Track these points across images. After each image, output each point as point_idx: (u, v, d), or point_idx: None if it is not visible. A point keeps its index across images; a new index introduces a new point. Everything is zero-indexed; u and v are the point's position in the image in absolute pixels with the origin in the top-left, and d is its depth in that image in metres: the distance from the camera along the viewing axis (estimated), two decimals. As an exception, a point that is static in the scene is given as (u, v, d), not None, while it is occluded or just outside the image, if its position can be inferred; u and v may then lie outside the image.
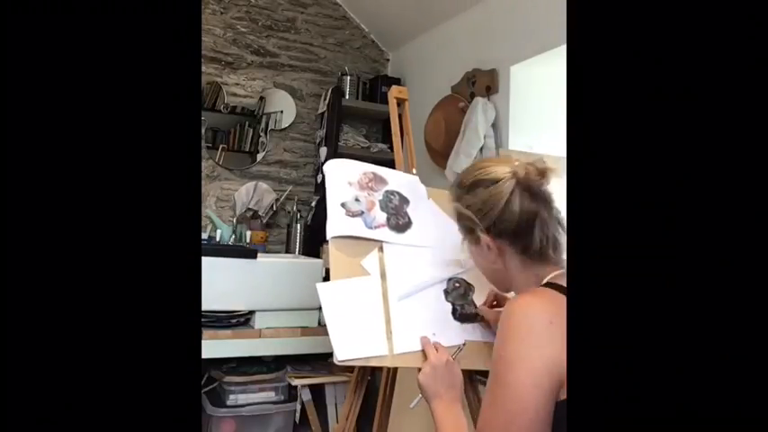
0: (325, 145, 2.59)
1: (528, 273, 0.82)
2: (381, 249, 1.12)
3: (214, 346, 1.77)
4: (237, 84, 2.64)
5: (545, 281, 0.79)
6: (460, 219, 0.87)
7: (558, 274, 0.80)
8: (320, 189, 2.58)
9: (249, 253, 1.91)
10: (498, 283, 0.90)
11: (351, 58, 2.90)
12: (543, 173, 0.80)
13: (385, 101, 2.58)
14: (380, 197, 1.17)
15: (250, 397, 1.92)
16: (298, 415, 1.99)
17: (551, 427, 0.67)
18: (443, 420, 0.87)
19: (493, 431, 0.69)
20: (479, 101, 2.02)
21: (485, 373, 1.21)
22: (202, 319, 1.79)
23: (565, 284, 0.75)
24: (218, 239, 2.38)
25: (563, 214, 0.81)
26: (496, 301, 1.12)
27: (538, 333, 0.69)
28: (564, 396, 0.67)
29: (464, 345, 1.05)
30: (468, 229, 0.86)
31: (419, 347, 1.03)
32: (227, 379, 1.90)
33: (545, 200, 0.81)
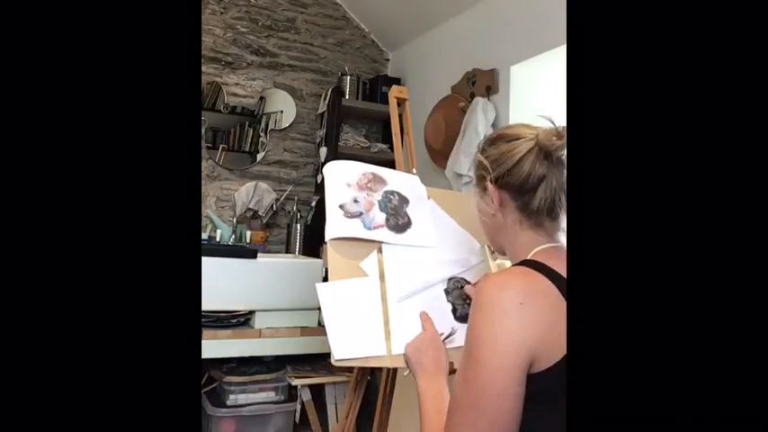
0: (325, 145, 2.59)
1: (522, 233, 0.86)
2: (380, 251, 1.12)
3: (214, 346, 1.78)
4: (237, 84, 2.64)
5: (530, 254, 0.82)
6: (477, 168, 0.92)
7: (545, 249, 0.83)
8: (320, 189, 2.58)
9: (249, 253, 1.91)
10: (493, 236, 0.94)
11: (351, 58, 2.90)
12: (561, 135, 0.83)
13: (385, 101, 2.58)
14: (380, 197, 1.17)
15: (250, 397, 1.93)
16: (298, 415, 1.99)
17: (528, 402, 0.71)
18: (426, 391, 0.89)
19: (463, 407, 0.72)
20: (479, 101, 2.02)
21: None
22: (202, 319, 1.79)
23: (548, 262, 0.79)
24: (218, 239, 2.38)
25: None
26: None
27: (508, 313, 0.71)
28: (535, 370, 0.71)
29: (455, 330, 1.06)
30: (480, 177, 0.91)
31: None
32: (227, 379, 1.90)
33: (557, 167, 0.85)
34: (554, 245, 0.84)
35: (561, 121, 0.81)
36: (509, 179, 0.85)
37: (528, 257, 0.82)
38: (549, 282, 0.75)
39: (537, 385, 0.71)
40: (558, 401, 0.69)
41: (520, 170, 0.84)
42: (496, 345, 0.71)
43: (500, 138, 0.89)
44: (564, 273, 0.76)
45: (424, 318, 1.04)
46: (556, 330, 0.71)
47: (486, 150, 0.90)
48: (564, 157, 0.84)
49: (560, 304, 0.73)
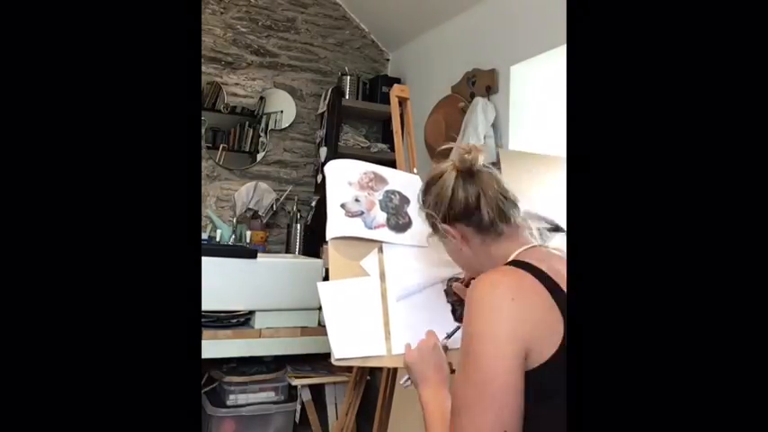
0: (325, 145, 2.59)
1: (491, 250, 0.89)
2: (381, 250, 1.12)
3: (214, 346, 1.78)
4: (237, 84, 2.64)
5: (511, 258, 0.85)
6: (426, 218, 0.97)
7: (524, 251, 0.85)
8: (320, 189, 2.58)
9: (249, 253, 1.91)
10: (470, 267, 0.98)
11: (351, 58, 2.90)
12: (468, 150, 0.90)
13: (385, 101, 2.58)
14: (381, 197, 1.17)
15: (250, 397, 1.93)
16: (298, 415, 1.99)
17: (530, 401, 0.72)
18: (430, 403, 0.88)
19: (467, 403, 0.73)
20: (479, 101, 2.02)
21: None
22: (202, 319, 1.79)
23: (530, 260, 0.81)
24: (218, 239, 2.38)
25: (505, 186, 0.91)
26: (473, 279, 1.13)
27: (500, 308, 0.74)
28: (529, 366, 0.73)
29: (453, 331, 1.05)
30: (433, 226, 0.95)
31: None
32: (227, 379, 1.90)
33: (483, 178, 0.90)
34: (528, 246, 0.86)
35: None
36: (453, 212, 0.89)
37: (509, 260, 0.85)
38: (536, 279, 0.77)
39: (532, 382, 0.72)
40: (553, 398, 0.70)
41: (456, 200, 0.89)
42: (492, 337, 0.72)
43: (429, 183, 0.95)
44: (547, 270, 0.79)
45: (428, 332, 1.02)
46: (544, 324, 0.73)
47: (425, 200, 0.95)
48: (483, 168, 0.90)
49: (547, 301, 0.75)
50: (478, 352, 0.73)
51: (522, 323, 0.73)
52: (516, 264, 0.82)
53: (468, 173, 0.90)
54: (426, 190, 0.96)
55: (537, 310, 0.74)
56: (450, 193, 0.89)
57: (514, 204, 0.90)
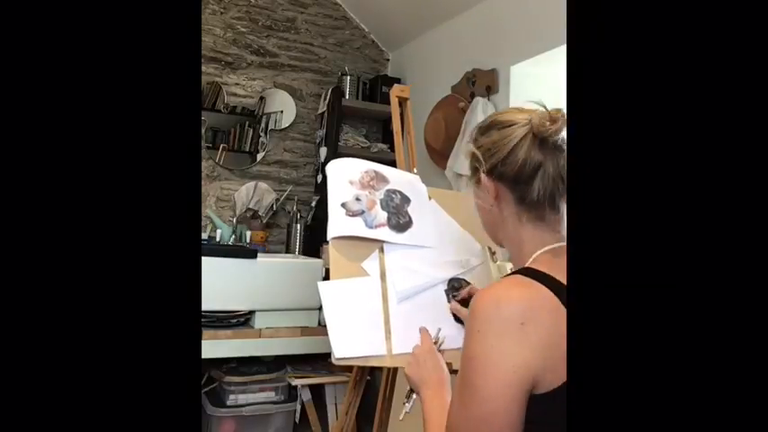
0: (325, 145, 2.59)
1: (523, 229, 0.80)
2: (382, 250, 1.12)
3: (214, 346, 1.78)
4: (237, 84, 2.64)
5: (533, 257, 0.77)
6: (471, 159, 0.86)
7: (551, 250, 0.78)
8: (320, 189, 2.58)
9: (249, 253, 1.91)
10: (493, 232, 0.88)
11: (351, 58, 2.90)
12: (555, 120, 0.78)
13: (385, 101, 2.59)
14: (381, 196, 1.17)
15: (250, 397, 1.93)
16: (298, 415, 1.99)
17: (526, 422, 0.66)
18: (430, 404, 0.86)
19: None
20: (479, 101, 2.02)
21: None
22: (202, 319, 1.79)
23: (552, 269, 0.72)
24: (218, 239, 2.38)
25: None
26: (471, 296, 1.11)
27: (507, 334, 0.65)
28: (538, 391, 0.66)
29: (443, 337, 1.04)
30: (473, 169, 0.85)
31: None
32: (227, 379, 1.90)
33: (553, 153, 0.78)
34: (561, 244, 0.78)
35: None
36: (504, 169, 0.79)
37: (530, 260, 0.77)
38: (553, 294, 0.68)
39: (534, 409, 0.66)
40: (554, 426, 0.64)
41: (514, 159, 0.78)
42: (495, 367, 0.65)
43: (492, 125, 0.83)
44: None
45: (422, 332, 1.01)
46: (559, 351, 0.64)
47: (479, 140, 0.84)
48: (560, 143, 0.79)
49: (564, 320, 0.65)
50: (477, 384, 0.65)
51: (531, 351, 0.64)
52: (530, 273, 0.72)
53: (541, 139, 0.78)
54: (486, 130, 0.83)
55: (550, 333, 0.65)
56: (511, 148, 0.78)
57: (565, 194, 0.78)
